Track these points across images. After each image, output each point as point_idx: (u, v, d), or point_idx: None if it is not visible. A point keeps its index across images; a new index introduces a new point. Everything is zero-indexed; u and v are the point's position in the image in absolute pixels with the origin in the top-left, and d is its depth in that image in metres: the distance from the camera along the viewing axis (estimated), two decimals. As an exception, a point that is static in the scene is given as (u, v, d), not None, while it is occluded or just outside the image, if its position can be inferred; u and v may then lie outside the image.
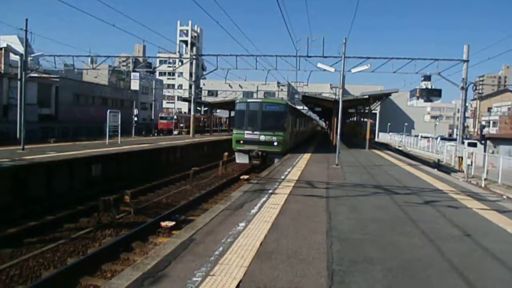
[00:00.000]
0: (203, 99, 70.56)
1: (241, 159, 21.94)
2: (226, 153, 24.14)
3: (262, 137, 20.96)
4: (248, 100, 22.45)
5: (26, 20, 20.63)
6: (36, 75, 35.87)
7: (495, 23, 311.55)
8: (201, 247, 5.76)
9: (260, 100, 22.31)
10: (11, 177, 12.57)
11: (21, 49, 22.75)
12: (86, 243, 9.77)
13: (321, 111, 45.85)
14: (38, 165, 13.80)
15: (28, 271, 8.01)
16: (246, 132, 21.21)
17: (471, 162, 22.24)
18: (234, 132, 22.00)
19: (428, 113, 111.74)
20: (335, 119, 26.46)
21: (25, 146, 17.42)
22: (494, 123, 79.89)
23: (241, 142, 21.32)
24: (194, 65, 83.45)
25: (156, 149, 22.33)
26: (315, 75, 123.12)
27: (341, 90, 19.53)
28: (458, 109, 47.99)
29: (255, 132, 21.03)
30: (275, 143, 20.98)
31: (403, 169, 18.13)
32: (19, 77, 20.97)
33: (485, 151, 27.41)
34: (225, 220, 7.38)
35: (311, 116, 57.52)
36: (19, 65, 21.79)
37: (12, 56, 33.92)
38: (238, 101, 23.04)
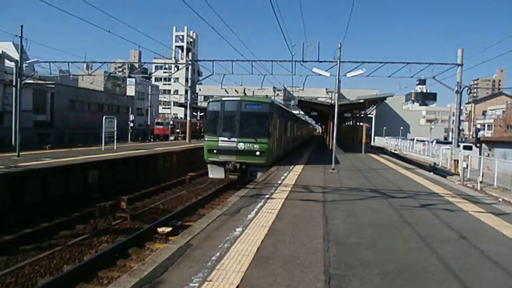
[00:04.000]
0: (199, 104, 70.60)
1: (215, 173, 17.93)
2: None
3: (241, 145, 16.90)
4: (224, 99, 18.14)
5: (21, 26, 20.59)
6: (31, 81, 35.79)
7: (489, 26, 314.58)
8: (198, 253, 5.75)
9: (239, 99, 17.90)
10: (6, 184, 12.49)
11: (16, 55, 22.74)
12: (82, 250, 9.74)
13: (317, 116, 45.97)
14: (33, 172, 13.74)
15: (24, 278, 7.97)
16: (220, 139, 17.08)
17: (467, 165, 22.35)
18: (206, 139, 17.95)
19: (424, 117, 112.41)
20: (331, 123, 26.51)
21: (20, 153, 17.32)
22: (489, 126, 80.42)
23: (215, 151, 17.25)
24: (190, 71, 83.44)
25: (153, 155, 22.29)
26: (310, 80, 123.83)
27: (336, 95, 19.62)
28: (453, 113, 48.22)
29: (232, 139, 16.94)
30: (258, 153, 16.86)
31: (399, 173, 18.19)
32: (14, 83, 20.95)
33: (480, 154, 27.60)
34: (222, 225, 7.37)
35: (306, 120, 57.54)
36: (14, 71, 21.79)
37: (7, 63, 33.83)
38: (211, 100, 19.23)
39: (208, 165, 18.06)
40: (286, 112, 24.86)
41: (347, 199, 10.69)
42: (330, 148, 24.67)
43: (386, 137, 64.43)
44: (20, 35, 20.84)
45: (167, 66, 76.42)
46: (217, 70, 30.75)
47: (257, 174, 16.62)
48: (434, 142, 45.23)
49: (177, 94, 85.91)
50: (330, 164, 18.12)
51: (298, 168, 17.72)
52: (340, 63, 18.70)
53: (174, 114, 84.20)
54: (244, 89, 20.53)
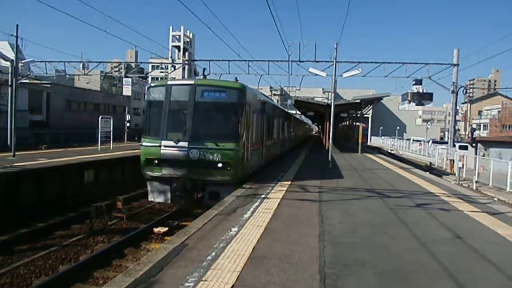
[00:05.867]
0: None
1: (156, 194, 12.39)
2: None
3: (194, 153, 11.41)
4: (169, 82, 12.78)
5: (17, 26, 20.53)
6: (27, 81, 35.63)
7: (485, 26, 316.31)
8: (194, 253, 5.75)
9: (192, 82, 12.40)
10: (1, 184, 12.44)
11: (11, 55, 22.64)
12: (78, 250, 9.71)
13: (314, 116, 46.07)
14: (29, 172, 13.68)
15: (19, 279, 7.94)
16: (163, 143, 11.68)
17: (462, 165, 22.43)
18: (143, 142, 12.32)
19: (420, 117, 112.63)
20: (328, 123, 26.54)
21: (16, 153, 17.25)
22: (484, 126, 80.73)
23: (155, 162, 11.81)
24: (186, 70, 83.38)
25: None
26: (307, 80, 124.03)
27: (332, 95, 19.67)
28: (449, 113, 48.38)
29: (181, 144, 11.50)
30: (220, 165, 11.42)
31: (395, 173, 18.24)
32: (9, 83, 20.83)
33: (476, 154, 27.69)
34: (217, 225, 7.38)
35: (302, 119, 57.46)
36: (9, 71, 21.63)
37: (3, 62, 33.65)
38: (152, 85, 13.73)
39: (148, 183, 12.49)
40: (269, 105, 18.30)
41: (343, 199, 10.71)
42: (326, 148, 24.68)
43: (382, 137, 64.63)
44: (15, 34, 20.79)
45: (163, 66, 76.37)
46: (213, 70, 30.57)
47: (219, 197, 11.10)
48: (430, 142, 45.46)
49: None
50: (326, 163, 18.13)
51: (294, 169, 17.67)
52: (337, 63, 18.74)
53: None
54: (204, 70, 14.38)
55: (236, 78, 15.51)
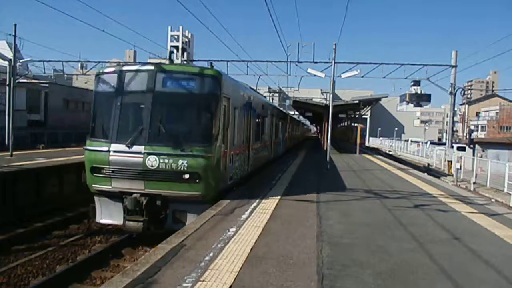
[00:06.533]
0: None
1: (106, 214, 9.69)
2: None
3: (153, 160, 8.81)
4: (125, 68, 10.09)
5: (15, 25, 20.50)
6: (25, 80, 35.56)
7: (483, 28, 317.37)
8: (192, 253, 5.74)
9: (152, 68, 9.50)
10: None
11: (10, 54, 22.57)
12: (75, 250, 9.69)
13: (312, 116, 46.13)
14: (27, 171, 13.65)
15: (16, 279, 7.91)
16: (113, 147, 9.05)
17: (460, 166, 22.50)
18: (88, 146, 9.73)
19: (418, 118, 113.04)
20: (326, 124, 26.55)
21: (14, 153, 17.20)
22: (482, 127, 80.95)
23: (103, 171, 9.15)
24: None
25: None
26: (305, 80, 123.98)
27: (331, 95, 19.68)
28: (447, 114, 48.49)
29: (136, 148, 8.92)
30: (187, 176, 8.82)
31: (393, 174, 18.26)
32: (7, 83, 20.77)
33: (473, 155, 27.79)
34: (216, 225, 7.37)
35: (300, 119, 57.38)
36: (7, 70, 21.57)
37: (1, 62, 33.58)
38: (101, 71, 10.07)
39: (95, 198, 9.78)
40: (258, 100, 15.55)
41: (341, 199, 10.71)
42: (324, 149, 24.68)
43: (380, 138, 64.75)
44: (13, 34, 20.74)
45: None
46: (212, 70, 30.32)
47: (187, 218, 9.02)
48: (428, 143, 45.53)
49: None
50: (324, 164, 18.13)
51: (292, 169, 17.64)
52: (335, 64, 18.74)
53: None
54: (170, 54, 11.94)
55: (211, 63, 13.04)
